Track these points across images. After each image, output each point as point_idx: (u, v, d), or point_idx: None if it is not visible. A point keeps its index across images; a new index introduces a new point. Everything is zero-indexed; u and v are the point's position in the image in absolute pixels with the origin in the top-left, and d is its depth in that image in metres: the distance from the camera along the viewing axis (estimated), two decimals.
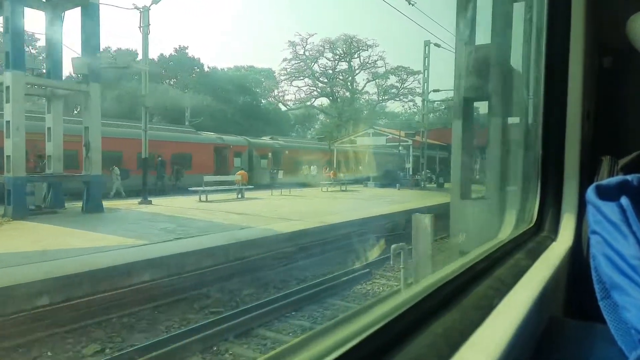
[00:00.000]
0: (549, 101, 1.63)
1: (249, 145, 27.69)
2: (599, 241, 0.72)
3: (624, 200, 0.71)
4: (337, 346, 0.58)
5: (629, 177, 0.78)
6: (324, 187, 23.24)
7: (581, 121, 1.59)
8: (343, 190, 23.38)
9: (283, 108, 53.77)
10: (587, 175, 1.57)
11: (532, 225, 1.60)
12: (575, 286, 1.32)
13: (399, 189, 23.61)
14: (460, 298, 0.83)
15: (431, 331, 0.67)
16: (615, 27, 1.38)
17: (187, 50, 45.78)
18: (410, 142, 27.24)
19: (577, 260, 1.40)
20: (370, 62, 50.03)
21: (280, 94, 53.00)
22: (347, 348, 0.58)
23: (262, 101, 51.20)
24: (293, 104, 53.75)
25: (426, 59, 26.09)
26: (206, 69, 47.28)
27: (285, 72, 51.17)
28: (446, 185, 26.60)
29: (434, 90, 27.93)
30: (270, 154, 28.94)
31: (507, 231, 1.65)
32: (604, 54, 1.71)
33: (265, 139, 30.95)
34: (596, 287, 0.73)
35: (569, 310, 1.38)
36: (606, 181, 0.79)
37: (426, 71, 26.59)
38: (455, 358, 0.62)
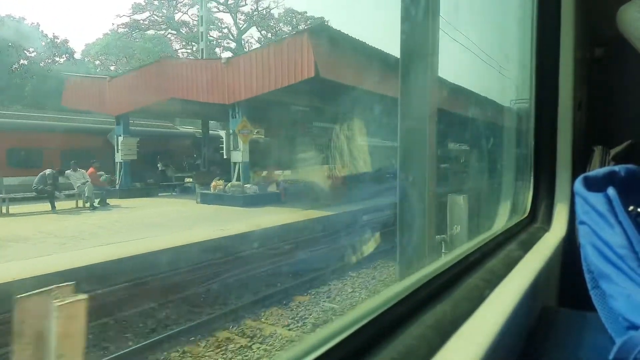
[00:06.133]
0: (540, 92, 1.63)
1: None
2: (587, 231, 0.73)
3: (611, 191, 0.72)
4: (328, 338, 0.59)
5: (616, 168, 0.78)
6: None
7: (573, 111, 1.59)
8: None
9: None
10: (580, 165, 1.58)
11: (525, 216, 1.61)
12: (569, 276, 1.33)
13: None
14: (451, 290, 0.84)
15: (422, 322, 0.68)
16: (606, 17, 1.38)
17: None
18: None
19: (570, 250, 1.41)
20: (261, 10, 33.35)
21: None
22: (338, 340, 0.58)
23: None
24: None
25: None
26: None
27: (137, 26, 33.61)
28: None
29: None
30: None
31: None
32: (595, 44, 1.71)
33: None
34: (586, 276, 0.74)
35: (563, 299, 1.39)
36: (594, 172, 0.79)
37: None
38: (444, 348, 0.63)
